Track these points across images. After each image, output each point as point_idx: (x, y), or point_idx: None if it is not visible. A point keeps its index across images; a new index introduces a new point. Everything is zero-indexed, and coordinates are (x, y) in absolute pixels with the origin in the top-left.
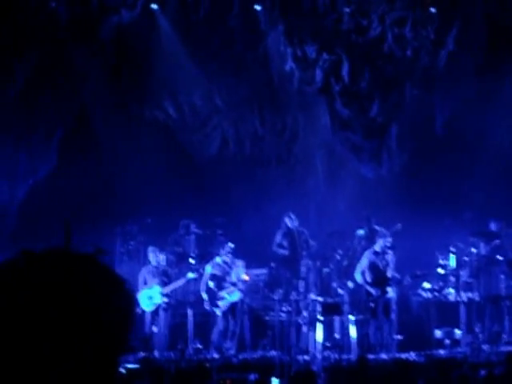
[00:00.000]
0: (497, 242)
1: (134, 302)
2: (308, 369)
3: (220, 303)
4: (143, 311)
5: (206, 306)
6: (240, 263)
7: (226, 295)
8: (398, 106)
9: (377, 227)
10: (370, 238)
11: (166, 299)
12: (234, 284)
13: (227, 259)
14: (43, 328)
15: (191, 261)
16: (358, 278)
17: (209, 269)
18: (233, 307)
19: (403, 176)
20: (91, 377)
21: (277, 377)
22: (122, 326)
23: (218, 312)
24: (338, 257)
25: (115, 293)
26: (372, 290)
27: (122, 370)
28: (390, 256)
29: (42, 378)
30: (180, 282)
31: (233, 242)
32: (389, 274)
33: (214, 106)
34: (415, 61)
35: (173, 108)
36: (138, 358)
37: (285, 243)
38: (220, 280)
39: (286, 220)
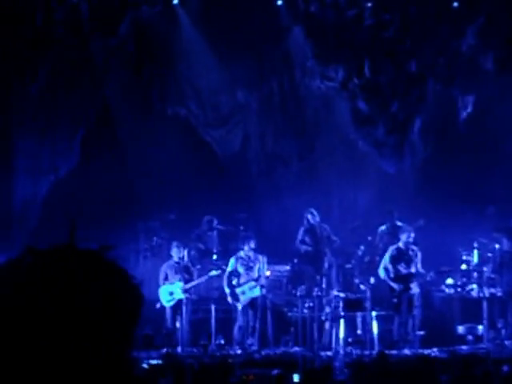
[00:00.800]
0: None
1: (141, 297)
2: (324, 364)
3: (241, 298)
4: (163, 307)
5: (229, 300)
6: (262, 259)
7: (247, 290)
8: (419, 101)
9: (399, 223)
10: (393, 234)
11: (187, 295)
12: (256, 280)
13: (250, 254)
14: (48, 324)
15: (214, 257)
16: (382, 273)
17: (232, 263)
18: (253, 302)
19: (425, 171)
20: (101, 372)
21: (299, 373)
22: (127, 321)
23: (239, 306)
24: (360, 253)
25: (121, 288)
26: (395, 286)
27: (145, 366)
28: (413, 251)
29: (48, 374)
30: (203, 279)
31: (255, 238)
32: (412, 269)
33: (236, 103)
34: (438, 56)
35: (195, 104)
36: (161, 353)
37: (307, 239)
38: (242, 275)
39: (308, 216)
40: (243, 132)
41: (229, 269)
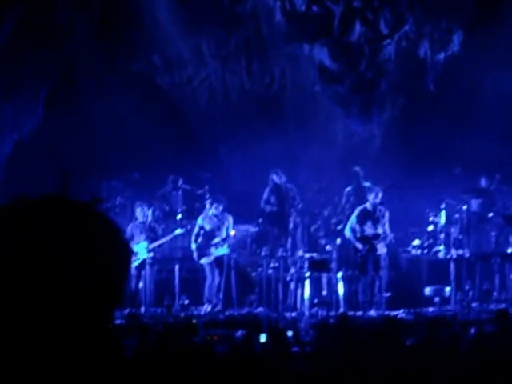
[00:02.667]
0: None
1: (131, 251)
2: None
3: (207, 256)
4: None
5: (194, 256)
6: (230, 219)
7: (213, 249)
8: (388, 61)
9: (366, 183)
10: (359, 194)
11: (151, 254)
12: (224, 239)
13: (219, 214)
14: (38, 275)
15: (178, 216)
16: (348, 233)
17: (200, 221)
18: (219, 261)
19: (393, 131)
20: (87, 327)
21: (263, 333)
22: (118, 275)
23: (204, 261)
24: (326, 213)
25: (112, 241)
26: (360, 246)
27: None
28: (380, 212)
29: (36, 327)
30: (167, 238)
31: (223, 202)
32: (379, 230)
33: (201, 60)
34: (405, 15)
35: (161, 62)
36: (124, 314)
37: (272, 199)
38: (210, 233)
39: (274, 176)
40: (209, 91)
41: (196, 228)
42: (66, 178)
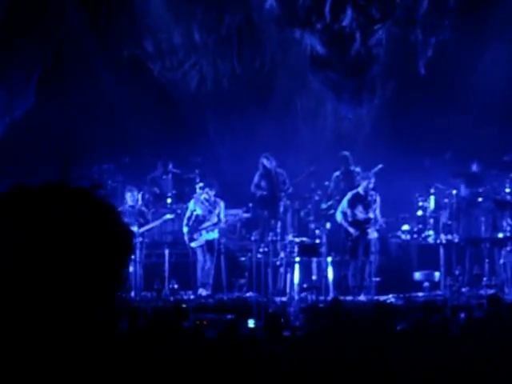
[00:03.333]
0: (479, 186)
1: (132, 235)
2: (279, 310)
3: (198, 239)
4: None
5: (185, 239)
6: (222, 204)
7: (203, 232)
8: (379, 45)
9: (354, 168)
10: (348, 179)
11: (140, 239)
12: (215, 224)
13: (211, 198)
14: (40, 262)
15: (168, 200)
16: (339, 217)
17: (192, 205)
18: (210, 246)
19: (383, 116)
20: (91, 311)
21: (253, 318)
22: (119, 258)
23: (195, 245)
24: (317, 197)
25: (113, 225)
26: (352, 230)
27: None
28: (372, 197)
29: (38, 313)
30: (157, 223)
31: (215, 186)
32: (371, 214)
33: (192, 44)
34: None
35: (151, 46)
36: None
37: (262, 184)
38: (201, 217)
39: (264, 161)
40: (199, 75)
41: (188, 212)
42: (66, 164)
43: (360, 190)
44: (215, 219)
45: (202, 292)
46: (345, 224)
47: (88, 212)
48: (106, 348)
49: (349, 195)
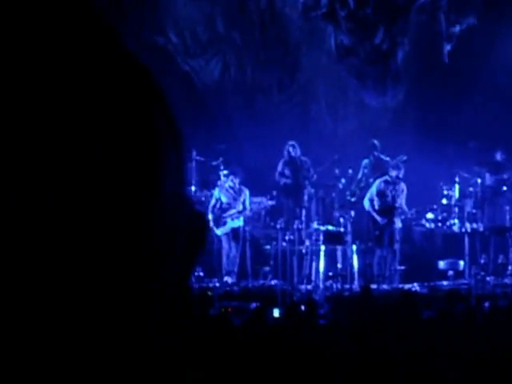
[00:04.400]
0: (503, 175)
1: (207, 222)
2: (309, 298)
3: (223, 227)
4: None
5: (211, 227)
6: (247, 192)
7: (229, 220)
8: (403, 33)
9: (382, 156)
10: (376, 167)
11: None
12: (240, 212)
13: (236, 186)
14: None
15: (192, 188)
16: (366, 204)
17: (216, 193)
18: (235, 233)
19: (407, 104)
20: (162, 297)
21: (278, 306)
22: (191, 247)
23: (220, 232)
24: (341, 186)
25: (187, 212)
26: (378, 218)
27: None
28: (400, 186)
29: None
30: None
31: (239, 174)
32: (397, 203)
33: (215, 32)
34: None
35: (174, 34)
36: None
37: (287, 172)
38: (226, 205)
39: (289, 149)
40: (223, 62)
41: (213, 200)
42: None
43: (389, 178)
44: (240, 207)
45: (228, 279)
46: (372, 212)
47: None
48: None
49: (377, 183)
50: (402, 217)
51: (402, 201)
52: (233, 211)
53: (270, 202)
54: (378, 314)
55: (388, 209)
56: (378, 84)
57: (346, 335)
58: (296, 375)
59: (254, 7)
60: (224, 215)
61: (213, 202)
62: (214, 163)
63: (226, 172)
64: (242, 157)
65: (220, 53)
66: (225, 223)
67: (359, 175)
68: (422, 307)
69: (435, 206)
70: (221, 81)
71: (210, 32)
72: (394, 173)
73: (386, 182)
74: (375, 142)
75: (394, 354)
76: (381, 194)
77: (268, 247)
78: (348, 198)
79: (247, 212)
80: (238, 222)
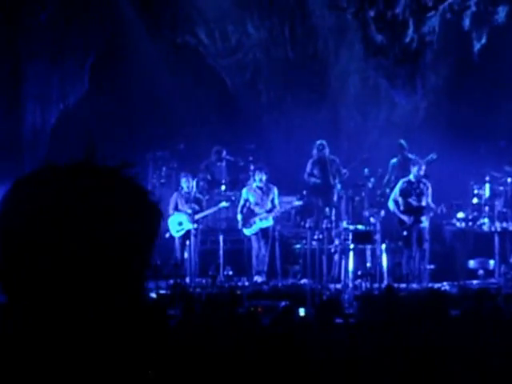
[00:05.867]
0: None
1: (160, 214)
2: (333, 297)
3: (252, 226)
4: (172, 237)
5: (239, 226)
6: (275, 190)
7: (257, 220)
8: (432, 32)
9: (410, 155)
10: (404, 166)
11: (196, 225)
12: (268, 211)
13: (263, 185)
14: (66, 238)
15: (223, 188)
16: (391, 205)
17: (245, 193)
18: (264, 233)
19: (437, 103)
20: (117, 289)
21: (306, 305)
22: (146, 238)
23: (249, 232)
24: (370, 185)
25: (139, 203)
26: (405, 218)
27: (153, 295)
28: (424, 185)
29: (64, 290)
30: (212, 210)
31: (265, 169)
32: (423, 202)
33: (245, 31)
34: None
35: (204, 33)
36: (169, 284)
37: (315, 171)
38: (255, 205)
39: (318, 148)
40: (253, 62)
41: (242, 200)
42: (91, 144)
43: (411, 177)
44: (269, 205)
45: (258, 279)
46: (397, 212)
47: (111, 189)
48: (137, 331)
49: (400, 183)
50: (431, 214)
51: (428, 198)
52: (262, 211)
53: (298, 203)
54: (403, 313)
55: (414, 208)
56: (407, 83)
57: (372, 334)
58: (321, 374)
59: (284, 6)
60: (253, 215)
61: (241, 202)
62: (244, 163)
63: (252, 168)
64: (271, 156)
65: (250, 52)
66: (254, 223)
67: (388, 175)
68: (450, 306)
69: (457, 203)
70: (251, 81)
71: (240, 32)
72: (415, 170)
73: (408, 181)
74: (402, 141)
75: (420, 353)
76: (404, 194)
77: (297, 246)
78: (378, 197)
79: (277, 210)
80: (267, 222)
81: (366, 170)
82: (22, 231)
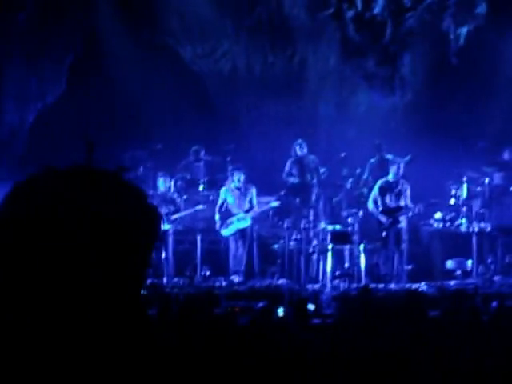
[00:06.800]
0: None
1: (159, 217)
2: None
3: (229, 227)
4: None
5: (217, 227)
6: (253, 190)
7: (235, 221)
8: (411, 34)
9: (388, 156)
10: (382, 167)
11: (172, 226)
12: (246, 211)
13: (241, 186)
14: (66, 243)
15: (201, 187)
16: (370, 206)
17: (223, 193)
18: (242, 233)
19: (415, 104)
20: (117, 291)
21: (282, 306)
22: (145, 240)
23: (226, 233)
24: (349, 185)
25: (139, 207)
26: (383, 219)
27: None
28: (403, 185)
29: (62, 293)
30: (188, 212)
31: (243, 170)
32: (401, 202)
33: (224, 32)
34: None
35: (183, 34)
36: (146, 284)
37: (294, 171)
38: (233, 206)
39: (296, 148)
40: (231, 62)
41: (220, 200)
42: (90, 148)
43: (390, 177)
44: (247, 206)
45: (235, 278)
46: (376, 213)
47: (113, 193)
48: (135, 333)
49: (379, 183)
50: (410, 214)
51: (406, 199)
52: (239, 211)
53: (274, 204)
54: (381, 314)
55: (392, 209)
56: (386, 84)
57: (349, 334)
58: (299, 374)
59: (263, 8)
60: (231, 216)
61: (220, 202)
62: (222, 162)
63: (230, 168)
64: (249, 156)
65: (229, 53)
66: (231, 224)
67: (365, 175)
68: (427, 306)
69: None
70: (229, 81)
71: (218, 33)
72: (393, 170)
73: (386, 181)
74: (379, 142)
75: (397, 354)
76: (383, 194)
77: (275, 246)
78: (356, 198)
79: (255, 210)
80: (245, 223)
81: (344, 170)
82: (21, 235)
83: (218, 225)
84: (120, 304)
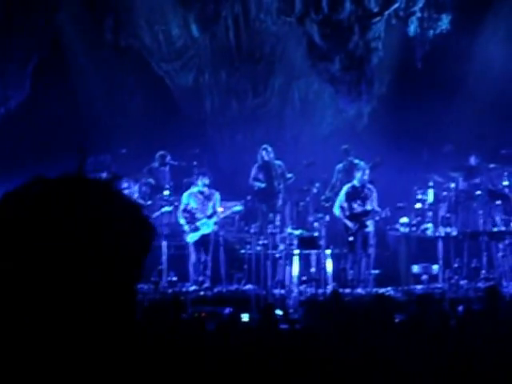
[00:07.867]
0: (476, 179)
1: (152, 229)
2: (272, 303)
3: (193, 233)
4: None
5: (185, 230)
6: (217, 195)
7: (199, 226)
8: (377, 38)
9: (356, 160)
10: (349, 172)
11: None
12: (209, 216)
13: (205, 190)
14: (59, 253)
15: (166, 192)
16: (337, 211)
17: (185, 198)
18: (204, 239)
19: (382, 109)
20: (108, 303)
21: (249, 311)
22: (138, 251)
23: (190, 239)
24: (315, 190)
25: (132, 218)
26: (350, 224)
27: None
28: (369, 190)
29: (57, 304)
30: (154, 215)
31: (209, 174)
32: (368, 207)
33: (190, 37)
34: None
35: (148, 37)
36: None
37: (260, 176)
38: (196, 211)
39: (263, 153)
40: (197, 67)
41: (182, 205)
42: (82, 156)
43: (355, 182)
44: (210, 211)
45: (195, 288)
46: (343, 218)
47: (107, 204)
48: (124, 341)
49: (345, 189)
50: (377, 218)
51: (373, 203)
52: (201, 216)
53: (238, 208)
54: (349, 318)
55: (359, 213)
56: (352, 89)
57: (318, 339)
58: (267, 380)
59: (229, 12)
60: (194, 221)
61: (181, 207)
62: (188, 167)
63: (196, 172)
64: (215, 161)
65: (195, 57)
66: (195, 229)
67: (333, 180)
68: (395, 311)
69: (400, 208)
70: (195, 85)
71: (184, 36)
72: (359, 175)
73: (353, 186)
74: (347, 147)
75: (366, 358)
76: (349, 199)
77: (242, 252)
78: (323, 203)
79: (216, 217)
80: (208, 228)
81: (310, 176)
82: (11, 245)
83: (186, 228)
84: (109, 315)
